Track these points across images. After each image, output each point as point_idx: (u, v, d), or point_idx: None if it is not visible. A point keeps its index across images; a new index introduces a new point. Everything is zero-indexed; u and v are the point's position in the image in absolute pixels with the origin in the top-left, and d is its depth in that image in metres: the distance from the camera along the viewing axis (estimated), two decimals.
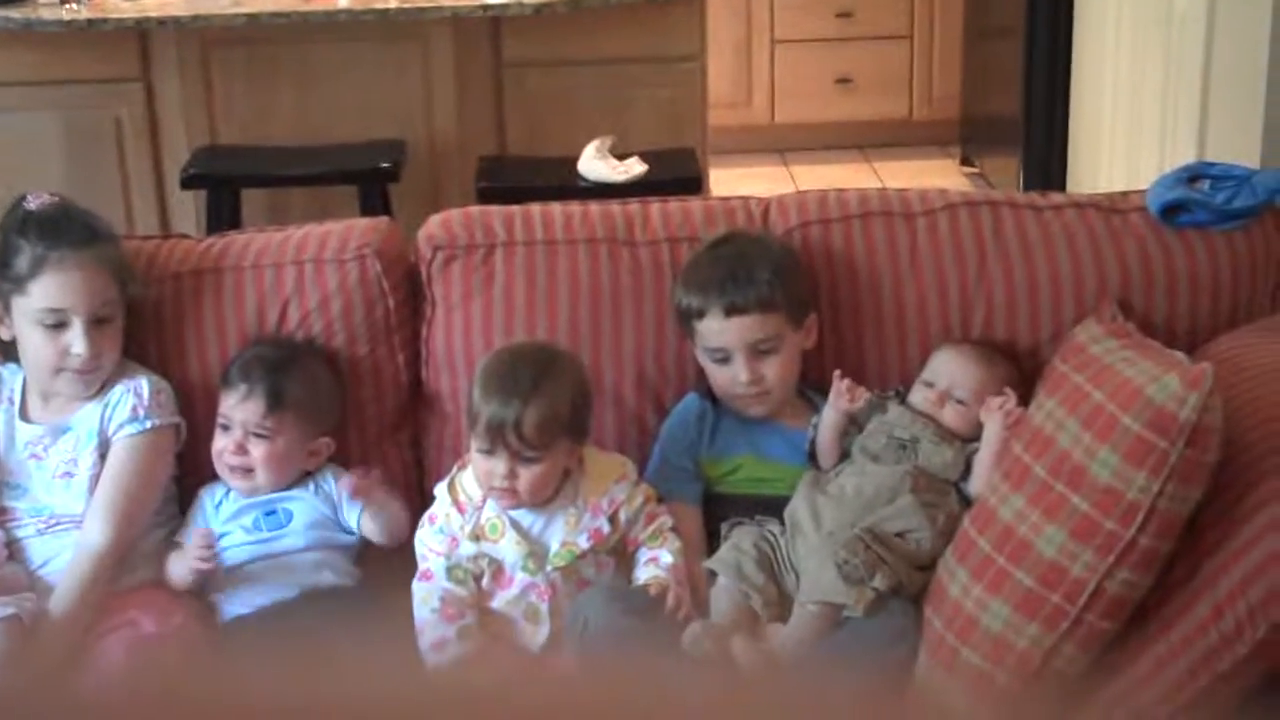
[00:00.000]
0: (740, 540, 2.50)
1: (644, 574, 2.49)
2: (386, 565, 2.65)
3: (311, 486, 2.65)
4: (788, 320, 2.61)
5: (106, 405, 2.62)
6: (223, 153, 4.84)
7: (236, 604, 2.55)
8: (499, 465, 2.43)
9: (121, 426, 2.61)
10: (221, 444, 2.62)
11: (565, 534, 2.47)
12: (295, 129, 4.92)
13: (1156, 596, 2.18)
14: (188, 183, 4.66)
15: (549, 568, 2.46)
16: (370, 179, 4.60)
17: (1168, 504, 2.11)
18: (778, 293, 2.58)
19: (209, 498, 2.65)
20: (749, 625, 2.39)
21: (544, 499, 2.48)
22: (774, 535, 2.51)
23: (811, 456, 2.61)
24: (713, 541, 2.59)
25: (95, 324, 2.58)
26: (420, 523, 2.55)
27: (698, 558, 2.56)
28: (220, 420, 2.63)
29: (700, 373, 2.69)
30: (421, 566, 2.50)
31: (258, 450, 2.60)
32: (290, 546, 2.59)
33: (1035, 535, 2.19)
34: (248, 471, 2.61)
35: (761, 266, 2.59)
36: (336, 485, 2.62)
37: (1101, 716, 2.21)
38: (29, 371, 2.64)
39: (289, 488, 2.64)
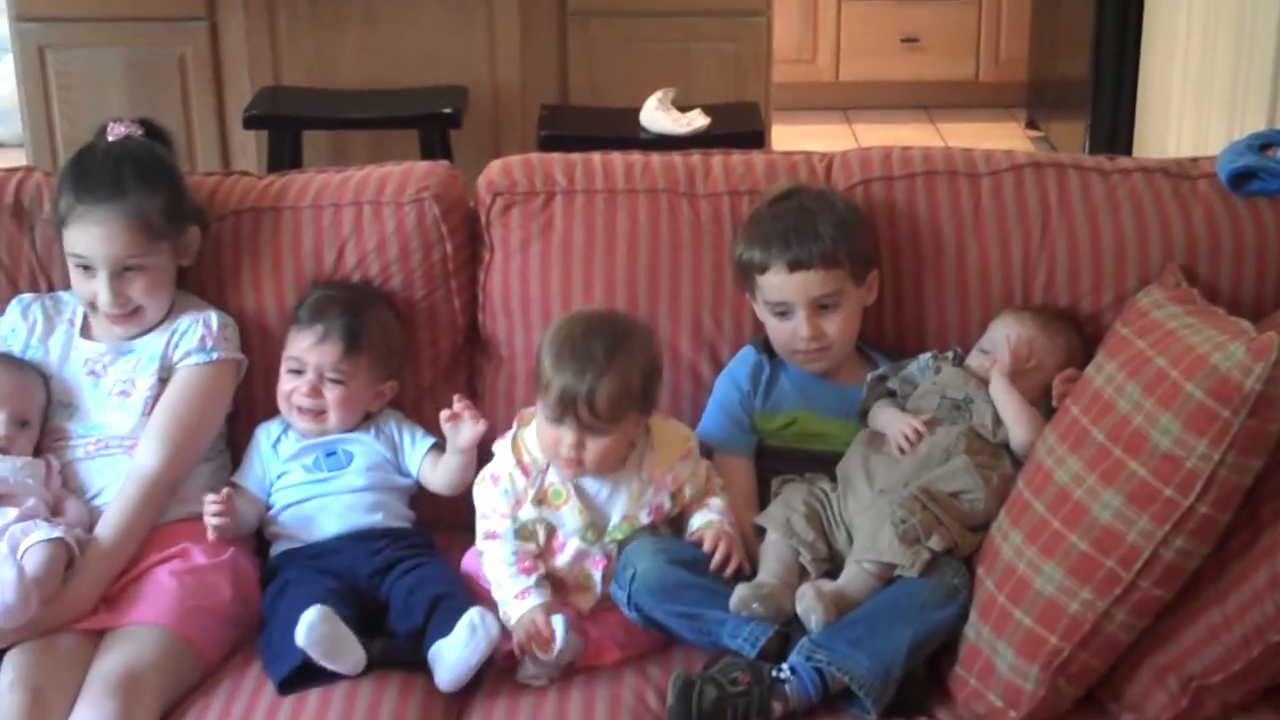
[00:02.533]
0: (790, 497, 2.50)
1: (697, 521, 2.48)
2: (435, 509, 2.66)
3: (372, 429, 2.65)
4: (850, 276, 2.59)
5: (174, 332, 2.64)
6: (285, 94, 4.85)
7: (289, 540, 2.55)
8: (567, 435, 2.41)
9: (188, 355, 2.63)
10: (292, 386, 2.62)
11: (628, 507, 2.46)
12: (358, 72, 4.93)
13: (1212, 565, 2.16)
14: (250, 123, 4.67)
15: (607, 539, 2.45)
16: (431, 124, 4.60)
17: (1228, 473, 2.09)
18: (841, 249, 2.57)
19: (265, 436, 2.67)
20: (797, 583, 2.38)
21: (610, 469, 2.46)
22: (824, 492, 2.50)
23: (862, 415, 2.59)
24: (763, 495, 2.59)
25: (120, 274, 2.59)
26: (479, 478, 2.53)
27: (749, 510, 2.55)
28: (291, 363, 2.63)
29: (757, 326, 2.68)
30: (484, 526, 2.48)
31: (332, 394, 2.61)
32: (348, 487, 2.59)
33: (1092, 499, 2.17)
34: (318, 414, 2.62)
35: (825, 221, 2.58)
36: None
37: (1153, 683, 2.20)
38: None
39: (352, 429, 2.64)
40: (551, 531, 2.47)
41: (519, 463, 2.47)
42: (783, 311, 2.61)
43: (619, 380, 2.38)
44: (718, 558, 2.40)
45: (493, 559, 2.46)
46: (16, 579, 2.31)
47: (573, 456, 2.41)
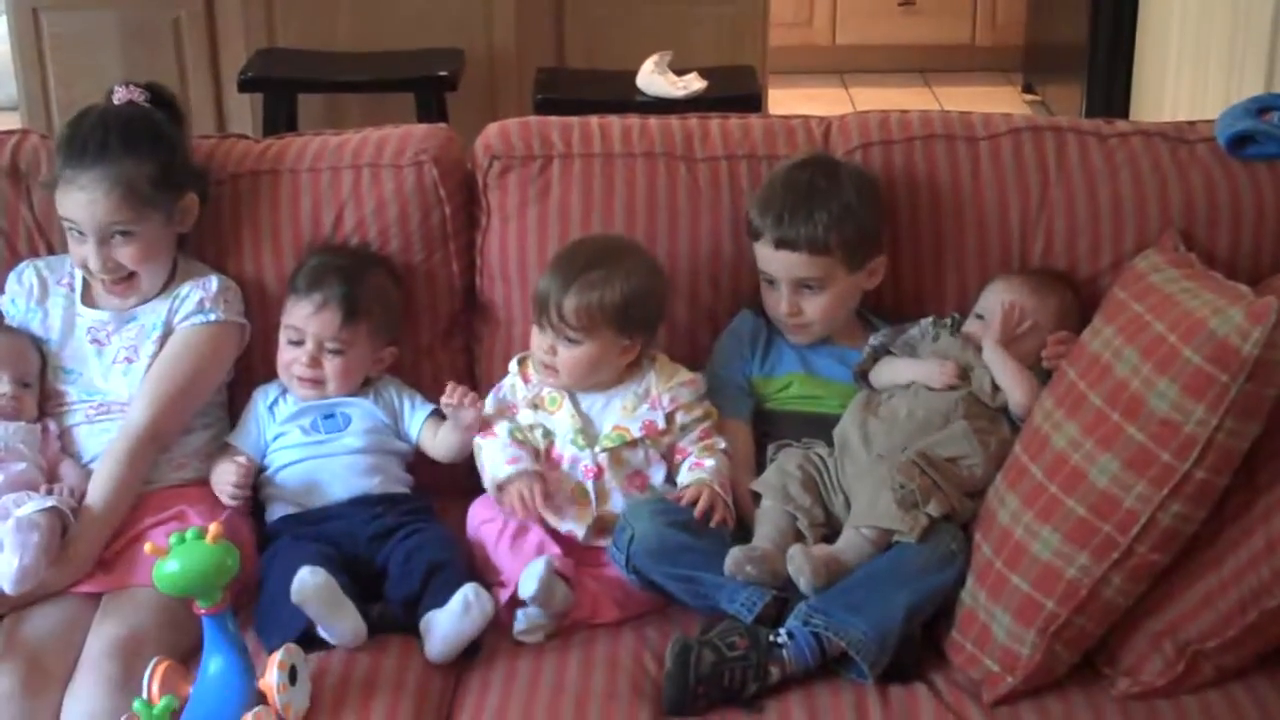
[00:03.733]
0: (786, 462, 2.50)
1: (687, 477, 2.49)
2: (434, 474, 2.66)
3: (371, 394, 2.65)
4: (841, 263, 2.59)
5: (175, 299, 2.64)
6: (280, 56, 4.84)
7: (286, 504, 2.56)
8: (543, 340, 2.51)
9: (187, 317, 2.63)
10: (292, 356, 2.62)
11: (620, 417, 2.51)
12: (353, 34, 4.91)
13: (1209, 530, 2.17)
14: (245, 85, 4.66)
15: (598, 447, 2.49)
16: (427, 87, 4.59)
17: (1225, 438, 2.09)
18: (833, 236, 2.56)
19: (262, 399, 2.66)
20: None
21: (588, 384, 2.52)
22: (820, 457, 2.50)
23: (859, 378, 2.59)
24: (759, 460, 2.59)
25: (105, 240, 2.59)
26: (490, 393, 2.60)
27: (747, 473, 2.56)
28: (290, 334, 2.63)
29: (754, 290, 2.68)
30: (483, 429, 2.56)
31: (332, 364, 2.61)
32: (345, 449, 2.59)
33: (1089, 464, 2.17)
34: (318, 382, 2.62)
35: (826, 205, 2.56)
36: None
37: (1148, 648, 2.21)
38: None
39: (350, 394, 2.64)
40: (550, 444, 2.52)
41: (522, 373, 2.56)
42: (769, 279, 2.63)
43: (591, 292, 2.46)
44: (699, 508, 2.41)
45: (487, 446, 2.52)
46: (36, 541, 2.32)
47: (548, 361, 2.50)
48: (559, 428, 2.52)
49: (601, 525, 2.49)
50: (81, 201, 2.57)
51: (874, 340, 2.59)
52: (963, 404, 2.47)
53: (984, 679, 2.24)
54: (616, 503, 2.50)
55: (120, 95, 2.66)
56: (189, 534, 2.18)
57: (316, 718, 2.19)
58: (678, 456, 2.53)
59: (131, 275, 2.63)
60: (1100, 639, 2.24)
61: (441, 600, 2.31)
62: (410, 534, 2.46)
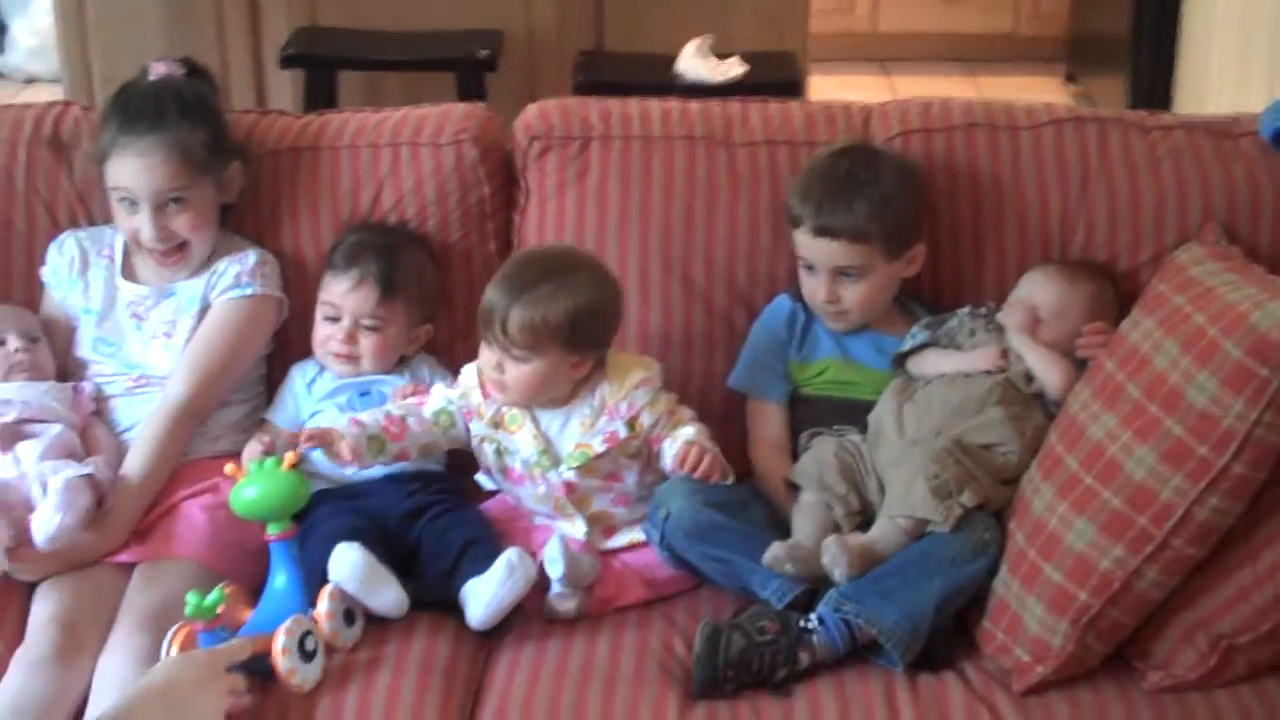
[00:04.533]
0: (821, 450, 2.49)
1: (669, 448, 2.45)
2: (468, 454, 2.65)
3: (407, 373, 2.66)
4: (880, 251, 2.57)
5: (213, 274, 2.66)
6: (322, 34, 4.84)
7: (320, 479, 2.57)
8: (490, 356, 2.44)
9: (224, 291, 2.64)
10: (328, 332, 2.63)
11: (580, 435, 2.46)
12: (395, 14, 4.90)
13: (1245, 524, 2.15)
14: (286, 62, 4.66)
15: (564, 467, 2.45)
16: (467, 67, 4.59)
17: (1264, 433, 2.07)
18: (873, 225, 2.55)
19: (300, 375, 2.67)
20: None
21: (537, 400, 2.46)
22: (854, 444, 2.49)
23: (897, 364, 2.58)
24: (793, 445, 2.60)
25: (161, 208, 2.60)
26: (438, 385, 2.56)
27: (782, 459, 2.56)
28: (327, 310, 2.64)
29: (791, 275, 2.67)
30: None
31: (367, 341, 2.62)
32: None
33: (1125, 456, 2.16)
34: (354, 359, 2.62)
35: (865, 194, 2.55)
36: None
37: (1181, 641, 2.20)
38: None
39: (386, 372, 2.65)
40: (505, 464, 2.49)
41: (481, 385, 2.49)
42: (807, 266, 2.61)
43: (535, 310, 2.38)
44: (689, 464, 2.39)
45: (392, 405, 2.51)
46: (84, 505, 2.36)
47: (496, 377, 2.44)
48: (521, 448, 2.47)
49: (598, 523, 2.49)
50: (138, 168, 2.58)
51: (918, 332, 2.58)
52: (998, 390, 2.46)
53: (1015, 668, 2.24)
54: (600, 502, 2.49)
55: (158, 70, 2.67)
56: (266, 462, 2.28)
57: (346, 693, 2.20)
58: (654, 446, 2.48)
59: (183, 245, 2.64)
60: (1133, 631, 2.23)
61: (480, 569, 2.32)
62: (442, 512, 2.47)
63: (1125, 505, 2.15)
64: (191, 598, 2.17)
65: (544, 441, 2.46)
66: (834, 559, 2.28)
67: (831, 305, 2.60)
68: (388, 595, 2.31)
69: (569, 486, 2.46)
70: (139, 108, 2.61)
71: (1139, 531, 2.14)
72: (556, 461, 2.46)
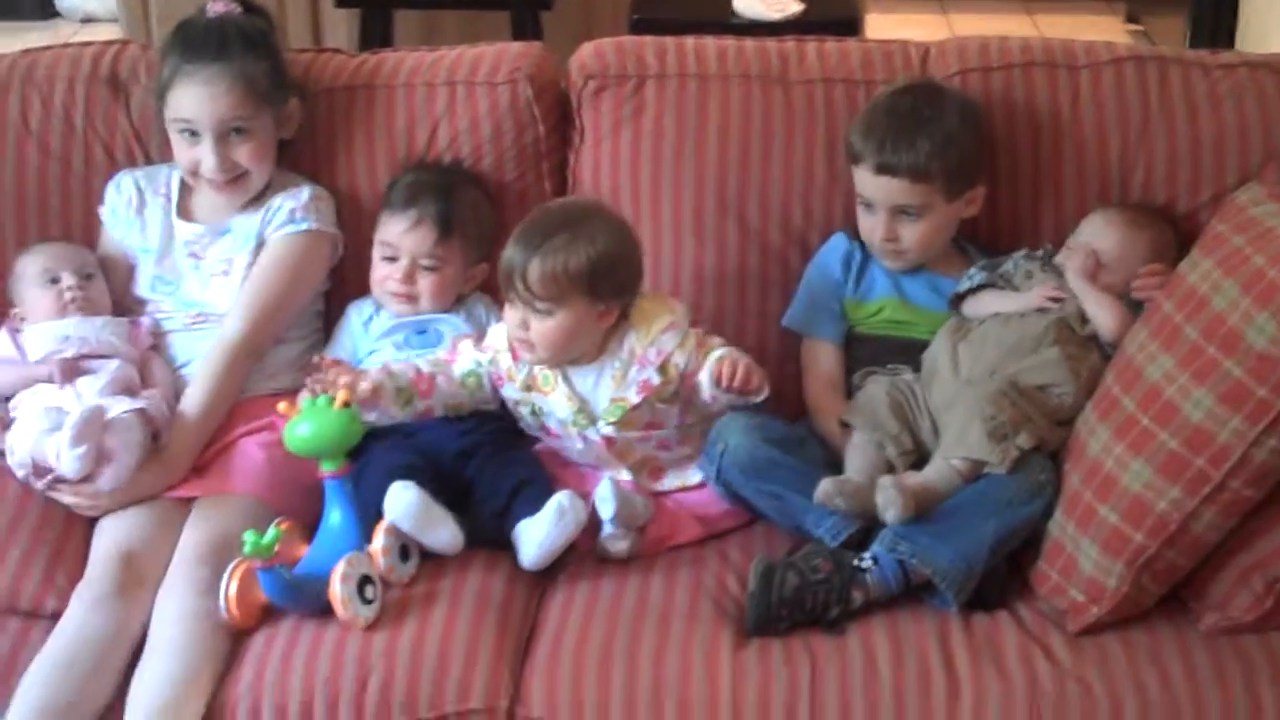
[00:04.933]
0: (873, 389, 2.49)
1: (705, 374, 2.41)
2: None
3: (463, 311, 2.67)
4: (940, 191, 2.56)
5: (267, 210, 2.67)
6: None
7: (378, 415, 2.58)
8: (514, 314, 2.42)
9: (279, 228, 2.65)
10: (385, 272, 2.64)
11: (613, 390, 2.45)
12: None
13: None
14: (342, 1, 4.65)
15: (601, 424, 2.45)
16: (523, 5, 4.56)
17: None
18: (934, 164, 2.53)
19: (356, 314, 2.69)
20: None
21: (565, 356, 2.44)
22: (907, 384, 2.49)
23: (953, 305, 2.57)
24: (847, 384, 2.60)
25: (224, 138, 2.61)
26: (466, 343, 2.54)
27: (836, 398, 2.56)
28: (384, 250, 2.65)
29: (848, 215, 2.66)
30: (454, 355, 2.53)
31: (425, 280, 2.63)
32: None
33: (1183, 398, 2.14)
34: (411, 298, 2.63)
35: (928, 133, 2.53)
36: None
37: (1237, 583, 2.19)
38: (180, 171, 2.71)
39: (444, 311, 2.66)
40: (541, 418, 2.49)
41: (511, 348, 2.48)
42: (866, 204, 2.60)
43: (556, 259, 2.36)
44: (725, 379, 2.36)
45: (425, 361, 2.51)
46: (139, 441, 2.40)
47: (521, 336, 2.42)
48: (556, 409, 2.47)
49: (644, 468, 2.50)
50: (203, 97, 2.59)
51: (974, 273, 2.56)
52: (1054, 329, 2.45)
53: (1069, 609, 2.23)
54: (643, 449, 2.50)
55: (216, 8, 2.68)
56: (319, 400, 2.32)
57: (402, 628, 2.22)
58: (690, 383, 2.45)
59: (241, 176, 2.65)
60: (1188, 572, 2.22)
61: (532, 510, 2.33)
62: (495, 452, 2.48)
63: (1182, 447, 2.13)
64: (249, 536, 2.19)
65: (578, 400, 2.45)
66: (888, 499, 2.28)
67: (890, 244, 2.59)
68: (443, 534, 2.33)
69: (608, 441, 2.46)
70: (202, 39, 2.62)
71: (1196, 473, 2.13)
72: (593, 419, 2.46)
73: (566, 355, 2.44)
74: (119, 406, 2.44)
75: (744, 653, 2.20)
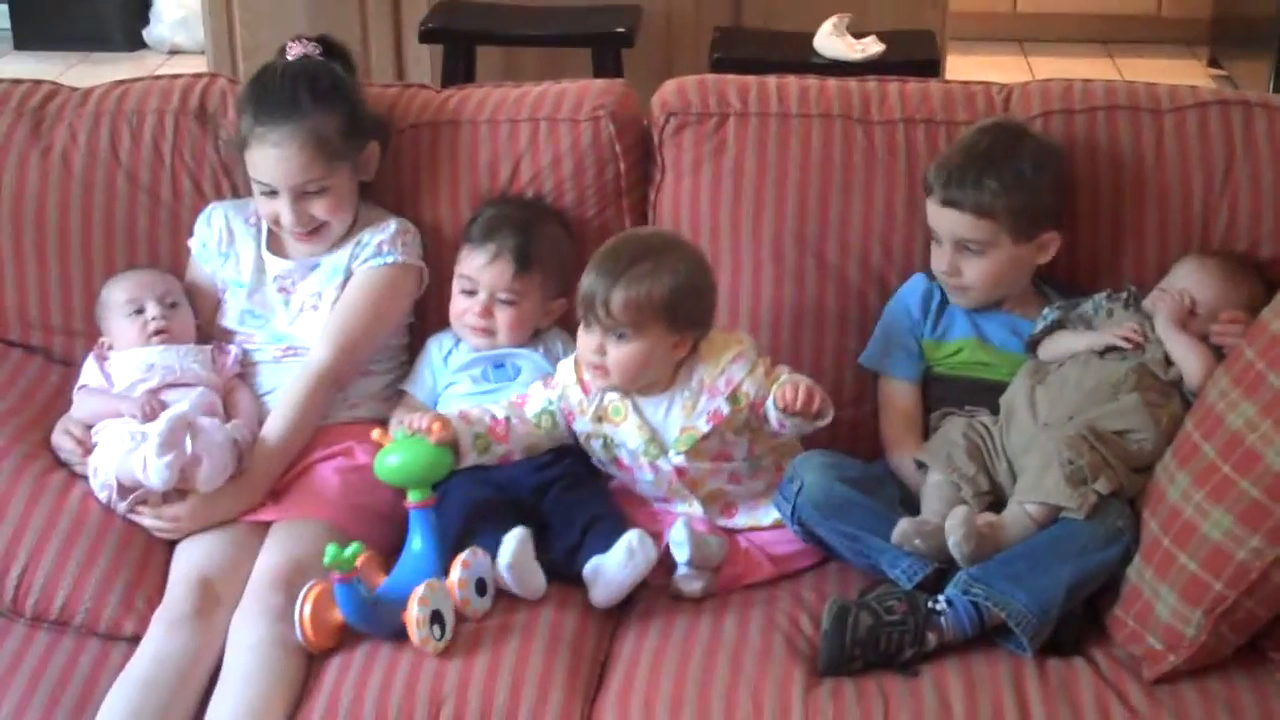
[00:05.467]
0: (950, 431, 2.48)
1: (770, 403, 2.41)
2: None
3: (540, 346, 2.68)
4: (1005, 230, 2.55)
5: (357, 245, 2.69)
6: (461, 8, 4.88)
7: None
8: (590, 340, 2.44)
9: (365, 260, 2.68)
10: (465, 305, 2.66)
11: (684, 419, 2.46)
12: None
13: None
14: (426, 36, 4.71)
15: (672, 454, 2.46)
16: (605, 43, 4.60)
17: None
18: (999, 202, 2.53)
19: (436, 347, 2.71)
20: None
21: (638, 383, 2.46)
22: (984, 425, 2.48)
23: (1030, 348, 2.56)
24: (925, 424, 2.59)
25: (300, 197, 2.63)
26: (536, 385, 2.56)
27: (913, 437, 2.56)
28: (463, 283, 2.67)
29: (927, 256, 2.66)
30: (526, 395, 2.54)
31: (504, 313, 2.64)
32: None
33: (1265, 446, 2.12)
34: (490, 332, 2.65)
35: (999, 172, 2.53)
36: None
37: None
38: None
39: (521, 345, 2.68)
40: (613, 450, 2.50)
41: (579, 380, 2.50)
42: (936, 238, 2.61)
43: (638, 286, 2.39)
44: (787, 402, 2.36)
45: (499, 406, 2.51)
46: (230, 442, 2.43)
47: (597, 361, 2.43)
48: (627, 439, 2.48)
49: (716, 502, 2.51)
50: (274, 159, 2.61)
51: (1049, 313, 2.55)
52: (1134, 375, 2.43)
53: (1146, 656, 2.21)
54: (714, 483, 2.50)
55: (295, 50, 2.70)
56: (417, 434, 2.36)
57: (475, 660, 2.23)
58: (759, 412, 2.45)
59: (321, 226, 2.68)
60: (1267, 622, 2.19)
61: (604, 547, 2.34)
62: (570, 486, 2.49)
63: (1264, 495, 2.11)
64: (331, 549, 2.21)
65: (649, 430, 2.47)
66: (954, 527, 2.27)
67: (951, 278, 2.59)
68: (534, 583, 2.34)
69: (679, 471, 2.47)
70: (274, 96, 2.63)
71: (1277, 522, 2.10)
72: (664, 449, 2.47)
73: (638, 382, 2.46)
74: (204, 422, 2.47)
75: (816, 692, 2.19)
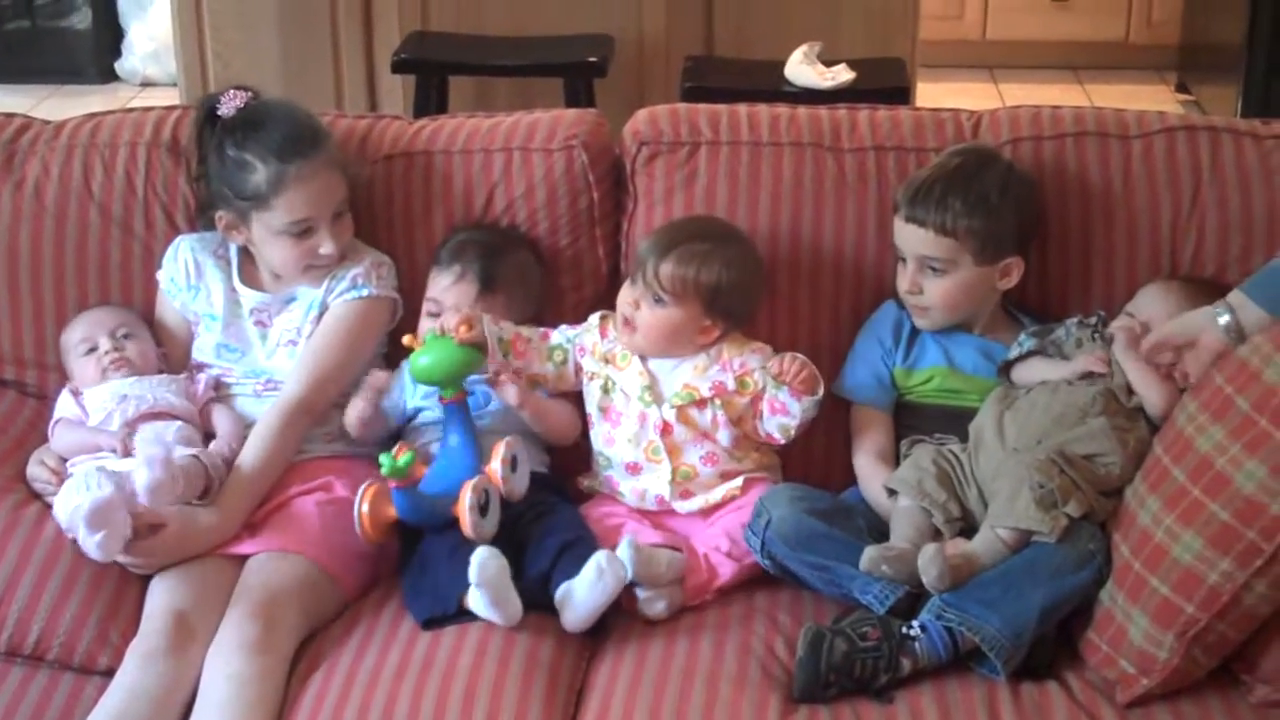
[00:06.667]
0: (920, 458, 2.49)
1: (767, 373, 2.54)
2: (574, 454, 2.69)
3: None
4: (969, 251, 2.57)
5: (331, 277, 2.69)
6: (433, 39, 4.90)
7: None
8: (630, 293, 2.57)
9: (341, 294, 2.68)
10: (429, 326, 2.66)
11: (689, 377, 2.56)
12: (505, 19, 4.95)
13: None
14: (398, 66, 4.71)
15: (666, 404, 2.54)
16: (577, 72, 4.62)
17: None
18: (960, 223, 2.55)
19: (407, 369, 2.70)
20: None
21: (658, 351, 2.58)
22: (954, 453, 2.49)
23: (1003, 372, 2.58)
24: (896, 452, 2.60)
25: (335, 220, 2.65)
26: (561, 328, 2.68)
27: (886, 466, 2.56)
28: (429, 305, 2.68)
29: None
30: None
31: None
32: (486, 427, 2.62)
33: (1234, 469, 2.13)
34: None
35: (964, 193, 2.55)
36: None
37: None
38: (272, 267, 2.71)
39: None
40: (609, 395, 2.58)
41: (601, 328, 2.64)
42: (900, 256, 2.63)
43: (691, 264, 2.52)
44: (786, 367, 2.49)
45: (529, 333, 2.64)
46: (164, 456, 2.40)
47: (629, 315, 2.57)
48: (626, 384, 2.57)
49: (682, 481, 2.54)
50: (319, 189, 2.62)
51: (1025, 340, 2.57)
52: (1101, 399, 2.44)
53: (1119, 680, 2.22)
54: (690, 455, 2.54)
55: (234, 102, 2.67)
56: (446, 336, 2.51)
57: (451, 687, 2.23)
58: (757, 407, 2.57)
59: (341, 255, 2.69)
60: (1239, 645, 2.21)
61: (573, 572, 2.34)
62: (541, 514, 2.49)
63: (1234, 518, 2.12)
64: (385, 459, 2.34)
65: (650, 378, 2.57)
66: (927, 564, 2.28)
67: (912, 296, 2.61)
68: (510, 606, 2.34)
69: (666, 427, 2.53)
70: (292, 133, 2.62)
71: (1248, 545, 2.12)
72: (660, 399, 2.55)
73: (658, 350, 2.59)
74: (176, 451, 2.46)
75: (791, 719, 2.19)
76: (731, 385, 2.55)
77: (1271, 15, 5.60)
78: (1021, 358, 2.55)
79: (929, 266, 2.59)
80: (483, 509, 2.38)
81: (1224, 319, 2.30)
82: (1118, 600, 2.25)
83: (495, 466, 2.44)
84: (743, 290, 2.57)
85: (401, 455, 2.36)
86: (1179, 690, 2.21)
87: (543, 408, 2.63)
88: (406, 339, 2.54)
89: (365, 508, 2.42)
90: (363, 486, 2.43)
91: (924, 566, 2.28)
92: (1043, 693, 2.23)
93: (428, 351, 2.51)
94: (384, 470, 2.34)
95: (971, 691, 2.22)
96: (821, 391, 2.51)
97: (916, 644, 2.24)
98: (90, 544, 2.34)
